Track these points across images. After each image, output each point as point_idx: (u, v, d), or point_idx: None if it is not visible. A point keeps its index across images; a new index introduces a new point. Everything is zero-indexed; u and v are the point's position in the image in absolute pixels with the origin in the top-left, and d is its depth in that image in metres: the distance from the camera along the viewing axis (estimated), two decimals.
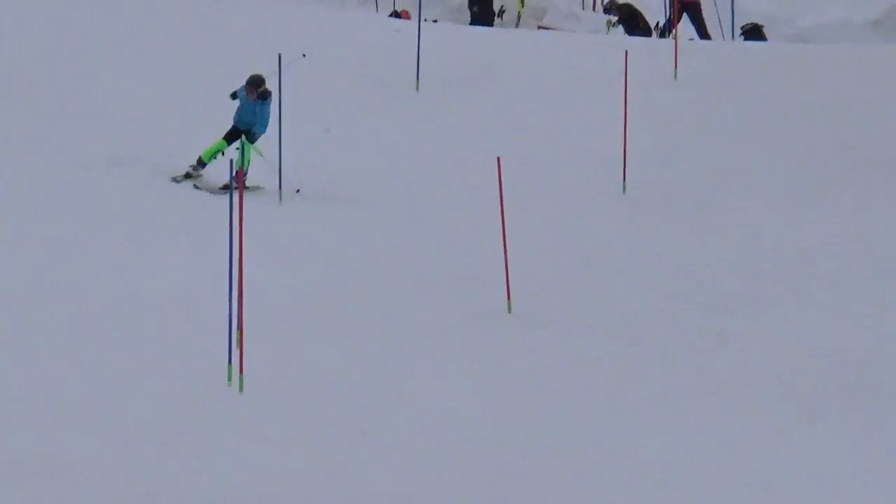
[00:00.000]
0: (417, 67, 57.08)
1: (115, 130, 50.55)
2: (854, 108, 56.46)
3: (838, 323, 42.85)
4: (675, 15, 73.48)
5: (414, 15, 67.76)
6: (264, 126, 51.03)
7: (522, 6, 76.80)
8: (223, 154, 50.19)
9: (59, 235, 43.96)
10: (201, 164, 52.13)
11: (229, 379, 35.83)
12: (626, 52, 57.03)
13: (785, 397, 38.26)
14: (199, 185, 51.45)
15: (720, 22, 75.75)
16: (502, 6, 75.47)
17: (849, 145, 53.22)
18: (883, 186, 50.57)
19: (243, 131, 50.44)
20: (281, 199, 48.14)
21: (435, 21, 66.68)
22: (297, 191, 52.01)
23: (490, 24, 72.49)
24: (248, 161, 49.29)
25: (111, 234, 45.05)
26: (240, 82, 51.29)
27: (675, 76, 58.45)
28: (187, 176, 52.44)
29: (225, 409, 34.69)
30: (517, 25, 74.21)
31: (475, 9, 74.93)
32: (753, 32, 76.45)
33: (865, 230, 48.40)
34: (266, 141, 50.82)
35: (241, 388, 35.58)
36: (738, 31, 76.50)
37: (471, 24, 71.80)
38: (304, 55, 53.30)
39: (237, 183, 40.94)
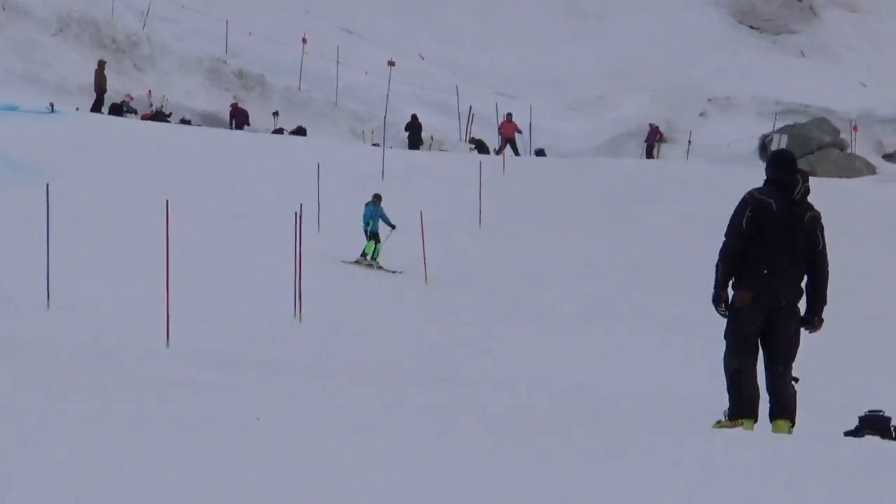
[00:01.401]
0: (382, 167, 56.45)
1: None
2: (586, 188, 56.26)
3: (588, 293, 43.30)
4: (502, 144, 73.35)
5: (381, 143, 65.15)
6: (386, 219, 48.41)
7: (432, 140, 76.02)
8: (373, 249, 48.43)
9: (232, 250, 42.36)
10: (364, 255, 47.68)
11: (295, 315, 35.89)
12: (480, 162, 57.22)
13: (567, 314, 39.17)
14: (370, 265, 47.66)
15: (525, 147, 75.18)
16: (422, 141, 74.73)
17: (584, 206, 52.99)
18: (602, 229, 50.57)
19: (370, 231, 48.47)
20: (319, 229, 45.77)
21: (391, 147, 65.61)
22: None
23: (418, 149, 71.98)
24: (379, 251, 47.91)
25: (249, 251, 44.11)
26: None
27: (504, 172, 58.09)
28: (361, 263, 48.29)
29: (291, 332, 34.77)
30: (430, 149, 73.33)
31: (410, 139, 74.10)
32: (540, 152, 75.92)
33: (598, 251, 48.50)
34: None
35: (300, 321, 35.64)
36: (533, 151, 75.77)
37: (409, 148, 71.13)
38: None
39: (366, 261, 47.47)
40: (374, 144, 69.91)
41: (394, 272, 46.49)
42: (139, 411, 13.61)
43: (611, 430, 15.84)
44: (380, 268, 47.42)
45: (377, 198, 48.99)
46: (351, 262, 47.63)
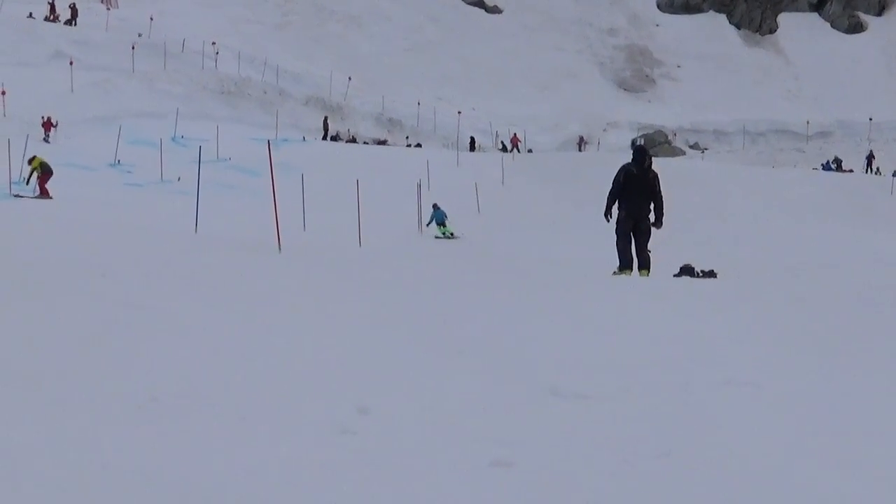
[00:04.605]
0: (457, 160, 55.98)
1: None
2: (553, 165, 54.97)
3: (557, 212, 42.57)
4: (512, 147, 72.46)
5: (456, 149, 64.55)
6: (443, 217, 37.67)
7: (480, 147, 74.96)
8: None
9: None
10: (450, 234, 37.29)
11: (419, 229, 35.61)
12: (502, 157, 56.51)
13: (546, 222, 38.49)
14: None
15: (523, 148, 74.33)
16: (475, 148, 73.64)
17: (552, 172, 51.70)
18: (561, 182, 49.37)
19: (440, 222, 37.65)
20: (429, 188, 45.22)
21: (461, 151, 64.11)
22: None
23: (473, 151, 70.57)
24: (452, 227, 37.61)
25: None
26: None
27: (513, 160, 57.21)
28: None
29: (417, 238, 34.51)
30: (479, 151, 71.92)
31: (470, 147, 72.58)
32: (530, 150, 74.58)
33: (561, 193, 47.54)
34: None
35: (421, 232, 35.36)
36: (527, 150, 74.65)
37: (469, 151, 69.45)
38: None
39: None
40: (452, 150, 69.49)
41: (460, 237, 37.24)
42: (345, 273, 13.69)
43: (565, 274, 15.87)
44: (454, 236, 37.28)
45: (436, 206, 38.92)
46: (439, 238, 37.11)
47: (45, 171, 36.12)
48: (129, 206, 34.68)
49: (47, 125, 51.60)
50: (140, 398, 5.59)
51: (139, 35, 73.79)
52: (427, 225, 38.32)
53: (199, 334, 7.65)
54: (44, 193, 35.38)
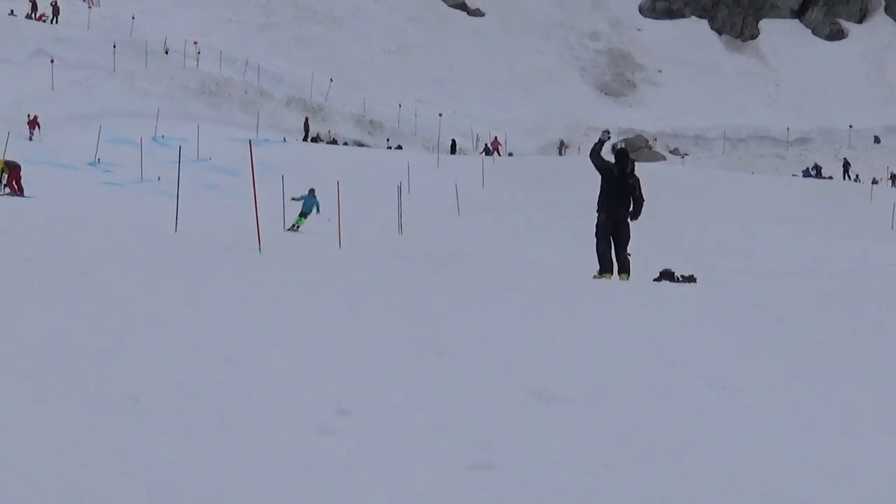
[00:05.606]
0: (438, 162, 55.88)
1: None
2: (533, 169, 54.98)
3: (534, 216, 42.51)
4: (493, 151, 72.44)
5: (437, 152, 64.47)
6: (318, 208, 35.72)
7: (461, 150, 74.95)
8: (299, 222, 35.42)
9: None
10: (295, 227, 34.61)
11: (399, 231, 35.50)
12: (483, 159, 56.44)
13: (524, 226, 38.50)
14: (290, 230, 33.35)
15: (504, 152, 74.18)
16: (456, 151, 73.61)
17: (532, 176, 51.77)
18: (540, 186, 49.39)
19: (305, 212, 35.69)
20: (409, 191, 45.24)
21: (442, 154, 64.01)
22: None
23: (454, 154, 70.44)
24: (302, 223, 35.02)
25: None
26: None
27: (494, 162, 57.20)
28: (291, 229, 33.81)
29: (395, 237, 34.38)
30: (459, 154, 72.07)
31: (451, 150, 72.61)
32: (511, 154, 74.63)
33: (538, 196, 47.50)
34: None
35: (402, 233, 35.25)
36: (507, 153, 74.64)
37: (450, 154, 69.44)
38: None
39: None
40: (432, 152, 69.44)
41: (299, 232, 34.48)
42: (326, 274, 13.66)
43: (545, 278, 15.84)
44: (297, 230, 34.91)
45: (313, 191, 37.07)
46: (287, 231, 34.23)
47: (12, 168, 35.52)
48: (108, 205, 34.49)
49: (33, 123, 51.35)
50: (119, 397, 5.54)
51: (166, 52, 74.26)
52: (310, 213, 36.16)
53: (179, 334, 7.60)
54: (15, 191, 34.88)
